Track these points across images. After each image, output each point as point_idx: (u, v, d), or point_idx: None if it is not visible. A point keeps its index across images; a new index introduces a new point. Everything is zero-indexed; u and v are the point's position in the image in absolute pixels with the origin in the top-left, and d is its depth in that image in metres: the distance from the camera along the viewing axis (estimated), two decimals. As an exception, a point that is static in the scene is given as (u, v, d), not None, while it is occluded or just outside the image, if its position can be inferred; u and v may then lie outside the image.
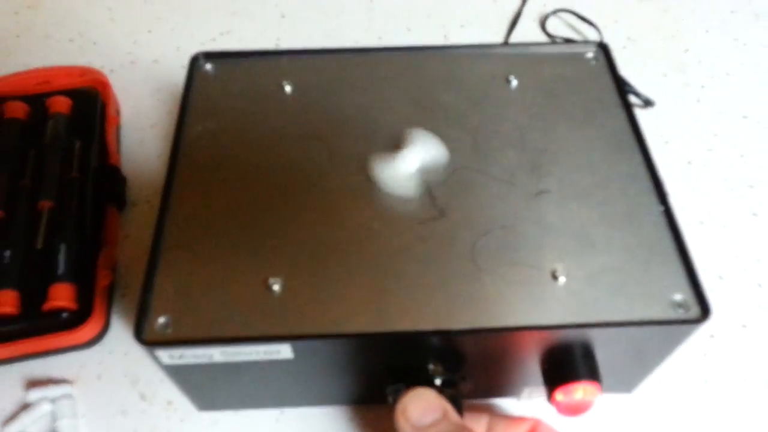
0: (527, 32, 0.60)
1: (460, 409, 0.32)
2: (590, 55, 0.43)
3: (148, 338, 0.30)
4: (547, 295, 0.31)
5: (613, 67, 0.42)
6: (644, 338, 0.32)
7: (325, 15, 0.61)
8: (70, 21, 0.59)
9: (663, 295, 0.31)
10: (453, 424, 0.29)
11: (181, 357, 0.31)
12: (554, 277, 0.32)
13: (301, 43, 0.58)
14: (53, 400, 0.38)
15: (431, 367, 0.32)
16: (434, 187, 0.36)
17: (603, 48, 0.43)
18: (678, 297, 0.31)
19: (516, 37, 0.59)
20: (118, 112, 0.51)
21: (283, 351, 0.31)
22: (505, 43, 0.57)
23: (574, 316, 0.31)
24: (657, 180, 0.36)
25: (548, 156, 0.37)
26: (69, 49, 0.57)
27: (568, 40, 0.58)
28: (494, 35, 0.60)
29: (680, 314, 0.31)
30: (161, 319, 0.31)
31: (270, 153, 0.37)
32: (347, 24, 0.60)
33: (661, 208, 0.34)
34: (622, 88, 0.41)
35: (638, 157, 0.37)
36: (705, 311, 0.31)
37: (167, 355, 0.31)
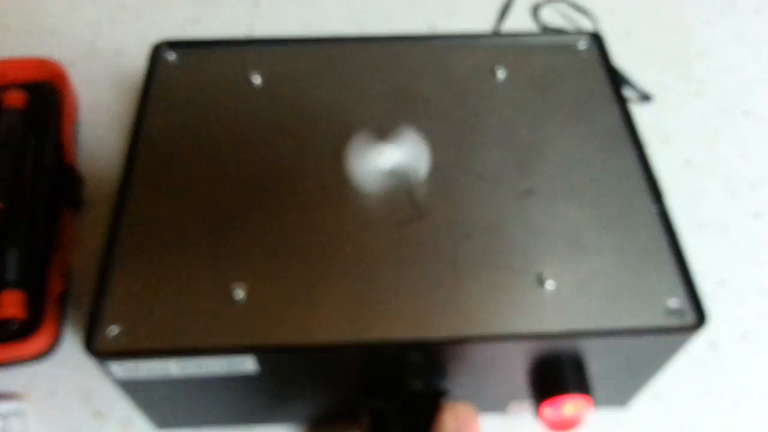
0: (518, 22, 0.58)
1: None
2: (582, 46, 0.41)
3: (99, 349, 0.29)
4: (534, 302, 0.30)
5: (606, 59, 0.40)
6: (638, 347, 0.31)
7: (302, 2, 0.59)
8: (27, 10, 0.57)
9: (657, 301, 0.31)
10: None
11: (135, 370, 0.29)
12: (541, 282, 0.31)
13: (275, 32, 0.56)
14: (3, 417, 0.36)
15: (410, 380, 0.31)
16: (414, 185, 0.34)
17: (596, 38, 0.41)
18: (673, 303, 0.30)
19: (506, 27, 0.57)
20: (76, 108, 0.49)
21: (247, 364, 0.30)
22: (491, 33, 0.56)
23: (563, 323, 0.30)
24: (652, 179, 0.35)
25: (536, 153, 0.36)
26: (26, 40, 0.55)
27: (560, 31, 0.57)
28: (483, 25, 0.58)
29: (675, 321, 0.30)
30: (114, 329, 0.29)
31: (236, 149, 0.36)
32: (326, 12, 0.58)
33: (656, 209, 0.33)
34: (616, 81, 0.39)
35: (632, 155, 0.36)
36: (701, 318, 0.30)
37: (120, 368, 0.29)
